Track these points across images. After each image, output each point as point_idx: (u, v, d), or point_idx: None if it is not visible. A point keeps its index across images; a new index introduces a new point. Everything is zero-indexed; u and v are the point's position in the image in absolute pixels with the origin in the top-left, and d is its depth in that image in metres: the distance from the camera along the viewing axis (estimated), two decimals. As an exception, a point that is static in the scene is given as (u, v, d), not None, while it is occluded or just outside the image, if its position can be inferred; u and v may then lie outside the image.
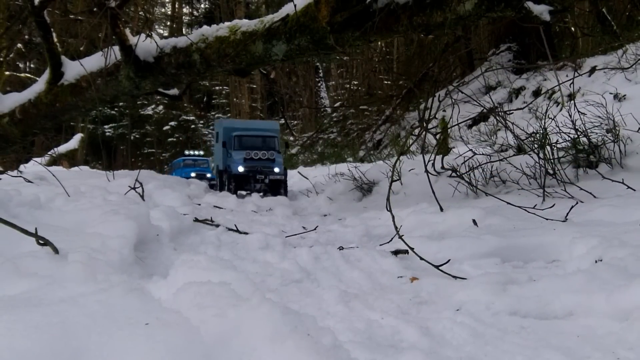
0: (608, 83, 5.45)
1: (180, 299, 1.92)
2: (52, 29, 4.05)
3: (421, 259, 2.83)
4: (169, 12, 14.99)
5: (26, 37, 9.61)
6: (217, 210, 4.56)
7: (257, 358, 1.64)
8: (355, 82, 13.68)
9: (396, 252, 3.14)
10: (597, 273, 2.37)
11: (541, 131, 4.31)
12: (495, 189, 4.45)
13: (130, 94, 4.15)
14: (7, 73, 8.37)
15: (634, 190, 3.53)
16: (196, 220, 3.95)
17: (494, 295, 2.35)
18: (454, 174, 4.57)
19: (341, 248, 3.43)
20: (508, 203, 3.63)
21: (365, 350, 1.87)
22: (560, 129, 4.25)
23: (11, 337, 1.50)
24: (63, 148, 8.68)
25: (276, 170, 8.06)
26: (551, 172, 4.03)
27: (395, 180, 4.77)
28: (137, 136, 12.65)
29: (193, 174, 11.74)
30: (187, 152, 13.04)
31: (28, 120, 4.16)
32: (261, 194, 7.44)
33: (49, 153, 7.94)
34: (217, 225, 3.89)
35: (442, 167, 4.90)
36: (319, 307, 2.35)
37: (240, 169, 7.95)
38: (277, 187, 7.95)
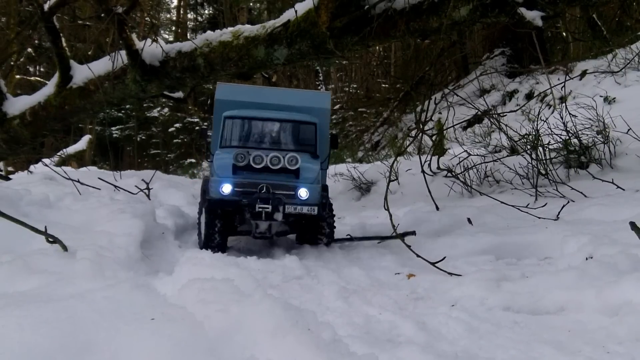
0: (598, 86, 5.53)
1: (185, 295, 1.98)
2: (61, 34, 4.15)
3: (418, 256, 2.89)
4: (174, 18, 15.13)
5: (36, 42, 9.67)
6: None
7: (259, 352, 1.70)
8: (354, 85, 13.78)
9: (404, 234, 3.17)
10: (587, 270, 2.45)
11: (534, 133, 4.39)
12: (490, 189, 4.53)
13: (137, 96, 4.21)
14: (17, 76, 8.42)
15: (623, 189, 3.62)
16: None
17: (488, 291, 2.42)
18: (449, 174, 4.66)
19: (341, 246, 3.49)
20: (502, 202, 3.71)
21: (363, 345, 1.93)
22: (552, 131, 4.33)
23: (21, 331, 1.56)
24: (72, 149, 8.63)
25: (302, 194, 3.05)
26: (543, 172, 4.12)
27: (393, 180, 4.84)
28: (143, 137, 12.67)
29: None
30: None
31: (38, 122, 4.23)
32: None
33: (58, 154, 7.94)
34: None
35: (438, 168, 4.98)
36: (319, 303, 2.41)
37: (225, 188, 3.02)
38: (307, 230, 3.27)
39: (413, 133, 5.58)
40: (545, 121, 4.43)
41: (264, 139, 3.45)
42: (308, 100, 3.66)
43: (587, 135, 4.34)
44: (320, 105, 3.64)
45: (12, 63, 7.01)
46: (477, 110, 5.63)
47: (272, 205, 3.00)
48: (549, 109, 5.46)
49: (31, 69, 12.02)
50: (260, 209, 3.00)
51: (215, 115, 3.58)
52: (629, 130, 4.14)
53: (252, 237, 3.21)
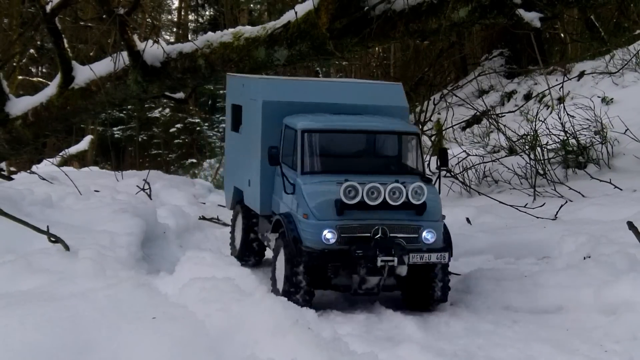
0: (596, 87, 5.50)
1: (186, 294, 1.98)
2: (63, 35, 4.16)
3: (418, 256, 2.89)
4: (175, 19, 15.19)
5: (38, 43, 9.72)
6: (222, 209, 4.64)
7: (259, 350, 1.72)
8: (353, 86, 13.71)
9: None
10: (585, 269, 2.49)
11: (532, 133, 4.41)
12: (488, 189, 4.53)
13: (138, 97, 4.26)
14: (20, 77, 8.46)
15: (621, 189, 3.65)
16: (203, 218, 3.99)
17: (487, 290, 2.44)
18: (448, 174, 4.68)
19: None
20: (500, 202, 3.73)
21: (363, 343, 1.95)
22: (550, 131, 4.34)
23: (24, 330, 1.57)
24: (73, 149, 8.66)
25: (428, 237, 2.30)
26: (541, 172, 4.14)
27: (392, 181, 4.81)
28: (144, 138, 12.70)
29: None
30: None
31: (40, 123, 4.25)
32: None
33: (60, 154, 7.96)
34: (225, 224, 3.94)
35: (437, 168, 4.98)
36: (320, 301, 2.41)
37: (329, 235, 2.22)
38: (422, 287, 2.37)
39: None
40: (543, 122, 4.44)
41: (358, 160, 2.54)
42: (382, 96, 2.72)
43: (585, 135, 4.36)
44: (396, 102, 2.70)
45: (14, 64, 7.02)
46: (475, 111, 5.64)
47: (394, 258, 2.15)
48: (547, 109, 5.49)
49: (33, 70, 12.04)
50: (383, 263, 2.15)
51: (264, 125, 2.56)
52: (626, 130, 4.17)
53: (351, 294, 2.30)
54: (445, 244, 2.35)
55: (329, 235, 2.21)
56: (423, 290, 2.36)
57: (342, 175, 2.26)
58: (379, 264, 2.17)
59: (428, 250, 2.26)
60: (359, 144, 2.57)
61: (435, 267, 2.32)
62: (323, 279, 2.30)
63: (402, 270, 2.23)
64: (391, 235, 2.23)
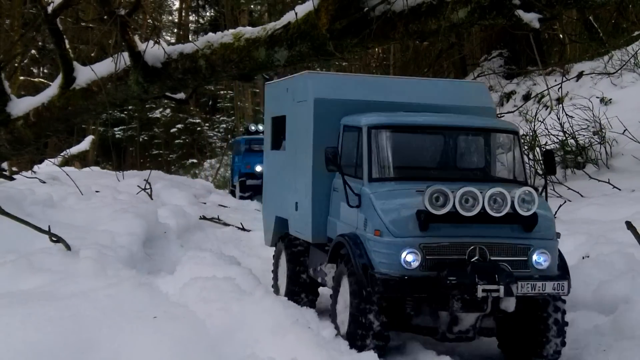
0: (595, 87, 5.57)
1: (187, 294, 1.98)
2: (64, 36, 4.17)
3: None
4: (176, 20, 15.30)
5: (40, 43, 9.84)
6: (222, 209, 4.65)
7: (259, 349, 1.71)
8: (353, 87, 13.69)
9: None
10: (584, 269, 2.49)
11: (531, 133, 4.47)
12: (488, 189, 4.61)
13: (139, 97, 4.25)
14: (21, 78, 8.55)
15: (619, 189, 3.70)
16: (203, 218, 4.02)
17: (486, 289, 2.46)
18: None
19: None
20: (500, 203, 3.79)
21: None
22: (549, 131, 4.43)
23: (25, 330, 1.58)
24: (75, 149, 8.65)
25: (541, 260, 1.74)
26: (540, 172, 4.21)
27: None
28: (145, 138, 12.84)
29: (259, 168, 6.12)
30: (252, 128, 7.42)
31: (41, 123, 4.24)
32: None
33: (62, 154, 7.98)
34: (225, 224, 3.97)
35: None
36: (320, 301, 2.45)
37: (410, 258, 1.66)
38: (528, 331, 1.81)
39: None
40: (542, 122, 4.51)
41: (439, 165, 2.06)
42: (462, 96, 2.25)
43: (584, 135, 4.44)
44: (481, 102, 2.24)
45: (16, 64, 7.06)
46: (475, 111, 5.61)
47: (503, 284, 1.64)
48: (546, 110, 5.51)
49: (35, 71, 12.13)
50: (485, 293, 1.65)
51: (316, 128, 2.11)
52: (625, 131, 4.22)
53: (437, 339, 1.83)
54: (562, 270, 1.78)
55: (410, 257, 1.69)
56: (530, 337, 1.76)
57: (420, 183, 1.74)
58: (480, 294, 1.63)
59: (542, 278, 1.70)
60: (439, 145, 2.03)
61: (547, 303, 1.75)
62: (400, 317, 1.78)
63: (509, 305, 1.69)
64: (492, 257, 1.71)
